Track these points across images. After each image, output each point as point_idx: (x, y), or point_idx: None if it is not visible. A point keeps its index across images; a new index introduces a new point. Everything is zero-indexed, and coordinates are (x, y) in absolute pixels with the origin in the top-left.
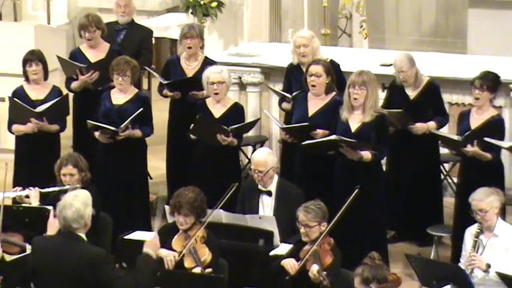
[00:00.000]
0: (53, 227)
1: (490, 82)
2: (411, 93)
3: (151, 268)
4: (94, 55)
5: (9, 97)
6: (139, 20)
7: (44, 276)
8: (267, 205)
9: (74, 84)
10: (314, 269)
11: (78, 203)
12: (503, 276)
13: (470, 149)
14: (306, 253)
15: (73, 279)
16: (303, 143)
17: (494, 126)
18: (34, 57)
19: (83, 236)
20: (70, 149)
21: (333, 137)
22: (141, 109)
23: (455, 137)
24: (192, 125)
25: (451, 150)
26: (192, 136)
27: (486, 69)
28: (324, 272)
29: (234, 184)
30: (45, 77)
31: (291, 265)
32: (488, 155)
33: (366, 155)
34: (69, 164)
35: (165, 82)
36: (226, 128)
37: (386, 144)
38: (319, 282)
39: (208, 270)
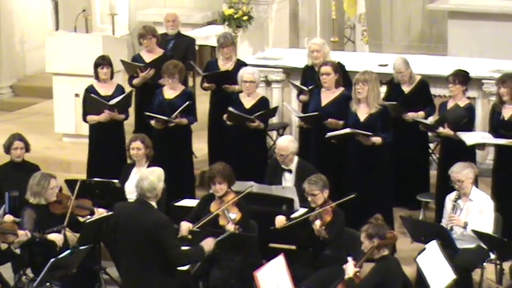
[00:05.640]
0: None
1: (461, 77)
2: (406, 89)
3: (199, 256)
4: (150, 58)
5: (84, 93)
6: (185, 31)
7: (121, 234)
8: (288, 180)
9: (135, 81)
10: (317, 224)
11: (153, 177)
12: (477, 233)
13: (442, 130)
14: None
15: (142, 238)
16: (327, 135)
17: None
18: (105, 61)
19: (154, 204)
20: (132, 133)
21: (349, 130)
22: (188, 102)
23: (429, 121)
24: (226, 115)
25: (432, 133)
26: (228, 123)
27: (460, 68)
28: (323, 227)
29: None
30: (111, 77)
31: (278, 221)
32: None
33: (377, 140)
34: (137, 140)
35: (204, 74)
36: (250, 117)
37: (390, 130)
38: (319, 235)
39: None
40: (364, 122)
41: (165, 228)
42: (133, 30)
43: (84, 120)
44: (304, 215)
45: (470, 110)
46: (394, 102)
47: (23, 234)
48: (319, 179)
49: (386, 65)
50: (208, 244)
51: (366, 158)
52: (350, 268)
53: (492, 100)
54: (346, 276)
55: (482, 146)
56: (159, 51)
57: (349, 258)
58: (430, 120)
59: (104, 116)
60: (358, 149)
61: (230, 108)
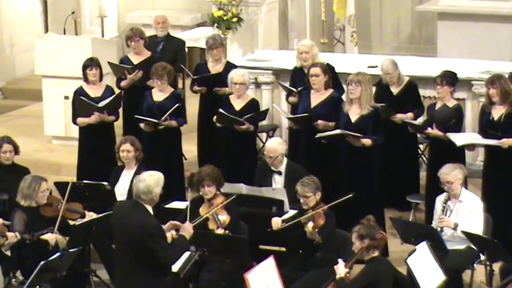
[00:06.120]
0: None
1: (448, 78)
2: (394, 90)
3: (184, 247)
4: (138, 60)
5: (73, 96)
6: (174, 33)
7: (114, 233)
8: (278, 182)
9: (123, 83)
10: (310, 225)
11: (151, 180)
12: (467, 234)
13: (430, 131)
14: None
15: (130, 237)
16: (316, 136)
17: (450, 115)
18: (93, 63)
19: (149, 208)
20: (121, 136)
21: (339, 131)
22: (178, 105)
23: (417, 122)
24: (216, 117)
25: (420, 134)
26: (218, 125)
27: (449, 69)
28: (316, 230)
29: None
30: (100, 79)
31: (274, 222)
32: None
33: (367, 141)
34: (127, 142)
35: (195, 77)
36: (240, 119)
37: (381, 132)
38: (313, 238)
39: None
40: (355, 123)
41: (150, 232)
42: (123, 33)
43: (74, 122)
44: (297, 216)
45: (458, 110)
46: (383, 104)
47: (13, 236)
48: (311, 181)
49: (375, 67)
50: (187, 230)
51: (356, 159)
52: (341, 268)
53: (482, 101)
54: (337, 276)
55: (472, 147)
56: (147, 53)
57: (340, 260)
58: (419, 121)
59: (94, 118)
60: (349, 151)
61: (220, 110)
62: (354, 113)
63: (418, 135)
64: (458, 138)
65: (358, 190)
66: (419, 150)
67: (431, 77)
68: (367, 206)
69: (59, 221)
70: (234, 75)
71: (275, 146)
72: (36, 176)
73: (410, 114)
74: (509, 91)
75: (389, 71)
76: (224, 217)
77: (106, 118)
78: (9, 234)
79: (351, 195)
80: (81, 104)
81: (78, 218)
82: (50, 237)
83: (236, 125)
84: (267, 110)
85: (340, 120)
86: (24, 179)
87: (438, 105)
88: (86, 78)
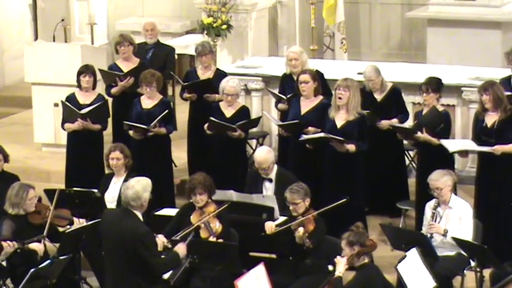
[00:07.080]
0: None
1: (434, 85)
2: (378, 97)
3: (174, 262)
4: (127, 67)
5: (61, 101)
6: (164, 40)
7: (104, 240)
8: (268, 189)
9: (113, 90)
10: (300, 230)
11: (139, 186)
12: (457, 240)
13: (420, 135)
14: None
15: (119, 246)
16: (300, 138)
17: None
18: (88, 70)
19: (138, 214)
20: (110, 143)
21: (323, 134)
22: (166, 111)
23: (407, 126)
24: (207, 124)
25: (408, 140)
26: (208, 132)
27: (437, 75)
28: (306, 234)
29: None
30: (94, 87)
31: (268, 227)
32: (436, 140)
33: (351, 147)
34: (116, 150)
35: (185, 84)
36: (233, 126)
37: (366, 139)
38: (303, 243)
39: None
40: (341, 128)
41: (142, 239)
42: (112, 40)
43: (62, 127)
44: (288, 222)
45: (446, 116)
46: (367, 111)
47: (11, 245)
48: (300, 187)
49: None
50: (181, 249)
51: (339, 165)
52: (341, 266)
53: (472, 107)
54: (337, 274)
55: (464, 153)
56: (136, 60)
57: (339, 257)
58: (409, 124)
59: (77, 125)
60: (333, 156)
61: (212, 118)
62: (340, 119)
63: (405, 142)
64: (451, 145)
65: (341, 196)
66: (407, 156)
67: (420, 83)
68: (349, 212)
69: (47, 228)
70: (226, 86)
71: (264, 155)
72: (24, 183)
73: (394, 120)
74: (502, 97)
75: (372, 78)
76: (216, 225)
77: (89, 126)
78: (8, 243)
79: (343, 200)
80: (66, 109)
81: (66, 224)
82: (39, 247)
83: (229, 131)
84: (260, 117)
85: (326, 126)
86: (12, 187)
87: (425, 111)
88: (79, 85)
